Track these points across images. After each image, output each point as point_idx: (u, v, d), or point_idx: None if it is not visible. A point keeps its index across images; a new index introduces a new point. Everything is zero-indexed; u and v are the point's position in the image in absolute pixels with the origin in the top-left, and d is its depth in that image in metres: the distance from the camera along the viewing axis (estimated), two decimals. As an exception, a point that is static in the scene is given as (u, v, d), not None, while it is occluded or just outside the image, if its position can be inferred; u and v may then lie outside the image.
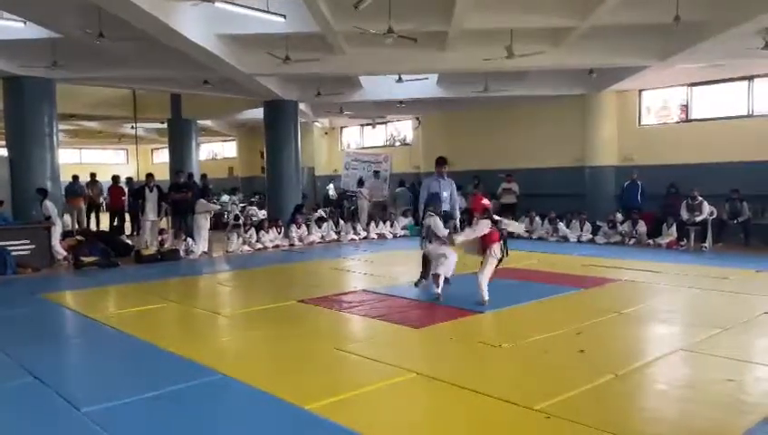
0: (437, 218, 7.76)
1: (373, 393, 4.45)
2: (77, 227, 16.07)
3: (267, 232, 14.16)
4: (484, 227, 7.28)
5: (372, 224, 16.26)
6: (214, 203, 13.23)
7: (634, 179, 14.65)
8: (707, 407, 4.13)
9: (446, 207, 8.55)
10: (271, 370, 5.09)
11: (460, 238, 7.45)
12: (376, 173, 20.58)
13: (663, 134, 15.59)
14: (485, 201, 7.57)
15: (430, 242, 7.82)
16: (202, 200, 12.96)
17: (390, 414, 4.16)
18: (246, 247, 13.48)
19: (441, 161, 8.79)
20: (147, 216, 13.04)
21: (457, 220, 9.00)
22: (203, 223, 12.80)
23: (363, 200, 18.40)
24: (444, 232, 7.67)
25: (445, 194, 8.56)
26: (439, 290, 7.60)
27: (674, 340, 5.82)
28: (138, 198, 13.47)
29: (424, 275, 8.55)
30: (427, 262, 8.60)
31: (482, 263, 7.37)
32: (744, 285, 8.34)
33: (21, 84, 12.67)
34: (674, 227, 12.89)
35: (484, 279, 7.26)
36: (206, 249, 12.84)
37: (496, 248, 7.27)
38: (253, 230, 14.00)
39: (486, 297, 7.22)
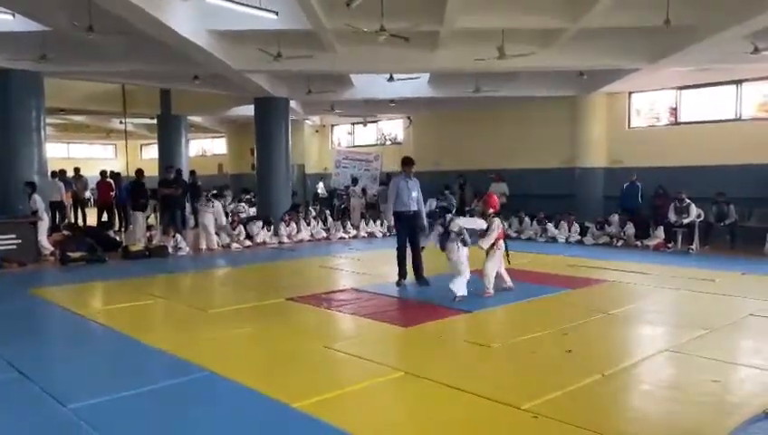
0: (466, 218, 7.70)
1: (361, 392, 4.45)
2: (64, 221, 15.95)
3: (255, 229, 14.18)
4: (497, 226, 7.69)
5: (362, 222, 16.26)
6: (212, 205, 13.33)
7: (633, 181, 14.55)
8: (693, 407, 4.17)
9: (414, 206, 8.60)
10: (259, 367, 5.08)
11: (487, 243, 7.62)
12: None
13: (652, 136, 15.70)
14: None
15: (465, 244, 7.46)
16: (219, 206, 13.44)
17: (378, 412, 4.17)
18: (235, 245, 13.44)
19: (408, 161, 8.80)
20: (145, 212, 13.07)
21: (425, 221, 9.00)
22: (210, 221, 13.01)
23: (356, 198, 18.39)
24: (483, 225, 7.65)
25: (414, 194, 8.60)
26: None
27: (660, 341, 5.87)
28: (138, 195, 13.37)
29: (402, 274, 8.64)
30: (403, 262, 8.63)
31: (487, 256, 7.73)
32: (730, 287, 8.39)
33: (8, 77, 12.52)
34: (661, 229, 12.97)
35: (491, 271, 7.65)
36: (225, 243, 13.29)
37: (501, 243, 7.72)
38: (241, 227, 13.97)
39: (491, 290, 7.61)
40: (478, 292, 7.61)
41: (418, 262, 8.64)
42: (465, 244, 7.42)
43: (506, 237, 7.84)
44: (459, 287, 7.33)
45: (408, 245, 8.70)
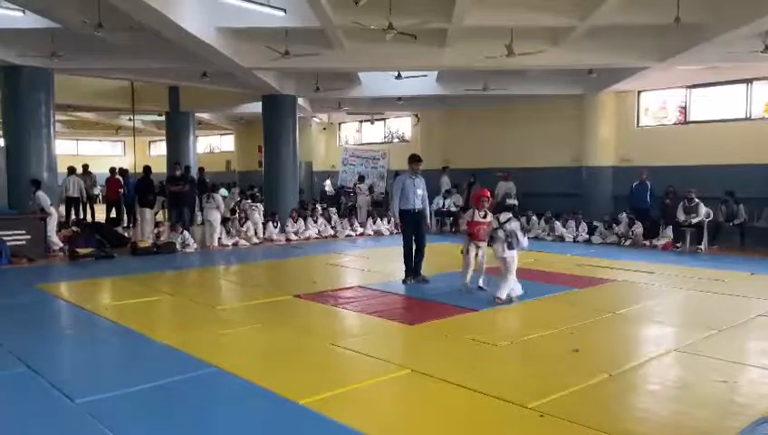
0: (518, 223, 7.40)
1: (368, 389, 4.45)
2: (73, 217, 16.07)
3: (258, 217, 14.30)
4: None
5: (369, 220, 16.27)
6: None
7: (643, 180, 14.38)
8: (700, 408, 4.15)
9: (419, 204, 8.60)
10: (266, 364, 5.09)
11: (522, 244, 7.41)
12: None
13: (661, 135, 15.61)
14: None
15: (510, 248, 7.21)
16: (219, 198, 13.35)
17: (385, 410, 4.17)
18: (243, 241, 13.47)
19: (415, 159, 8.79)
20: (153, 209, 13.14)
21: (428, 218, 9.03)
22: (214, 217, 13.02)
23: (363, 196, 18.39)
24: (525, 243, 7.39)
25: (419, 191, 8.60)
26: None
27: (668, 341, 5.84)
28: (146, 191, 13.42)
29: (409, 272, 8.64)
30: (410, 259, 8.63)
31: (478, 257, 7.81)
32: (738, 287, 8.34)
33: (19, 74, 12.59)
34: (669, 229, 12.91)
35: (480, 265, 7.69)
36: (233, 241, 13.27)
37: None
38: (249, 224, 14.00)
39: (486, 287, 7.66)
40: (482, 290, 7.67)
41: (420, 259, 8.64)
42: (510, 247, 7.19)
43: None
44: (515, 289, 7.24)
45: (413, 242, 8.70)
